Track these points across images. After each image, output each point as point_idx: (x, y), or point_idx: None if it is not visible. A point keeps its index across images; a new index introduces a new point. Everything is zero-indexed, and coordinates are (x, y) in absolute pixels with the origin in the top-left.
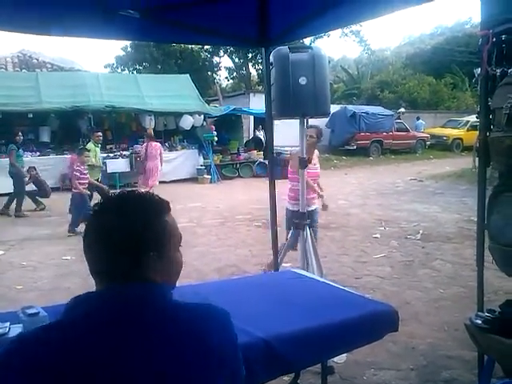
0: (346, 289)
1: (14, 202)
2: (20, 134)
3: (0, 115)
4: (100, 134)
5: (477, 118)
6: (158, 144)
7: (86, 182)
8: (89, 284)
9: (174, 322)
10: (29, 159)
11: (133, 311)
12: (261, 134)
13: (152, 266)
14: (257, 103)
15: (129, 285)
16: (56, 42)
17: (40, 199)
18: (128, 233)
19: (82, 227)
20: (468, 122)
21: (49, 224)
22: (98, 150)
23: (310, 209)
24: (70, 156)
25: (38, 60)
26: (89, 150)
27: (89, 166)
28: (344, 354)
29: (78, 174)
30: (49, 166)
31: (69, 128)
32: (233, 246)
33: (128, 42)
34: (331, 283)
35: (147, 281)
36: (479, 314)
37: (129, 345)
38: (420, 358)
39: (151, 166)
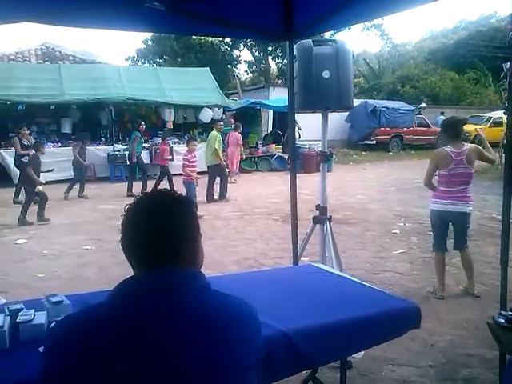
0: (367, 284)
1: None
2: (143, 123)
3: (23, 107)
4: (221, 123)
5: (504, 113)
6: (237, 134)
7: (194, 169)
8: (108, 274)
9: (214, 309)
10: (51, 150)
11: (173, 296)
12: (297, 130)
13: (188, 255)
14: (276, 97)
15: (170, 271)
16: (78, 34)
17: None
18: (174, 225)
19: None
20: (490, 118)
21: (70, 213)
22: (219, 137)
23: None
24: (160, 145)
25: (60, 52)
26: (196, 140)
27: (214, 151)
28: None
29: (186, 162)
30: (70, 157)
31: (90, 120)
32: (251, 239)
33: (149, 35)
34: (352, 278)
35: (185, 268)
36: (502, 312)
37: (167, 329)
38: (439, 356)
39: (229, 152)
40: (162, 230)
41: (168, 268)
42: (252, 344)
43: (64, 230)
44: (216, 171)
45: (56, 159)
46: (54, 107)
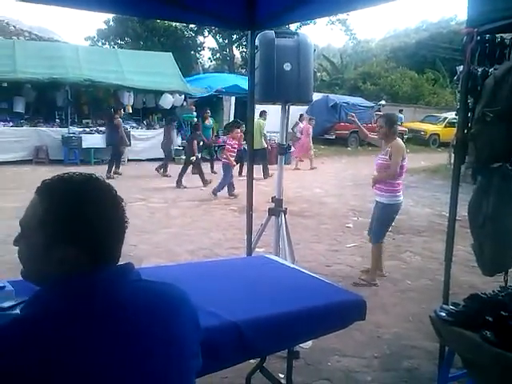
0: (317, 276)
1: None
2: (209, 111)
3: None
4: (266, 110)
5: (456, 115)
6: (309, 125)
7: (234, 155)
8: None
9: (147, 299)
10: (1, 129)
11: (110, 293)
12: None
13: (120, 249)
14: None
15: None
16: (36, 10)
17: None
18: (121, 218)
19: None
20: (446, 118)
21: (23, 196)
22: (263, 124)
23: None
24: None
25: (15, 27)
26: (238, 128)
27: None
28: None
29: (229, 147)
30: (22, 137)
31: (45, 100)
32: (207, 228)
33: (111, 16)
34: (303, 270)
35: (119, 265)
36: (444, 306)
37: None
38: (384, 347)
39: (301, 142)
40: (114, 225)
41: (110, 266)
42: (189, 325)
43: (14, 213)
44: (261, 154)
45: (6, 139)
46: (6, 84)
